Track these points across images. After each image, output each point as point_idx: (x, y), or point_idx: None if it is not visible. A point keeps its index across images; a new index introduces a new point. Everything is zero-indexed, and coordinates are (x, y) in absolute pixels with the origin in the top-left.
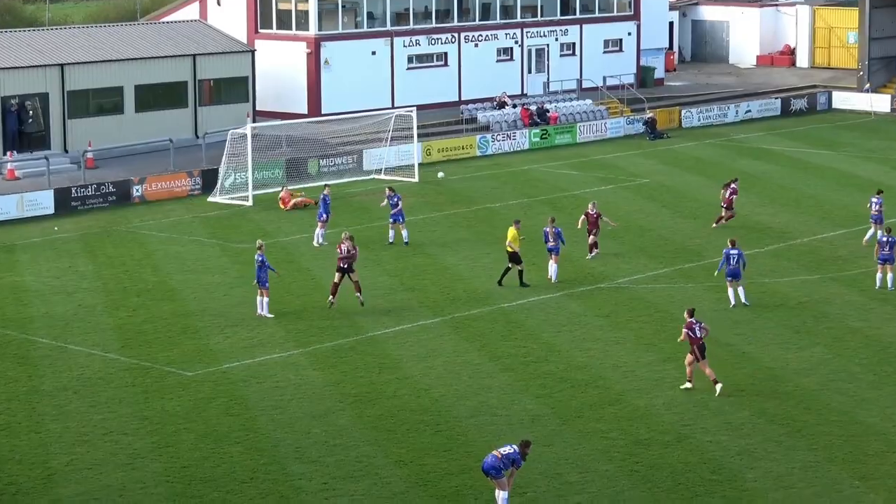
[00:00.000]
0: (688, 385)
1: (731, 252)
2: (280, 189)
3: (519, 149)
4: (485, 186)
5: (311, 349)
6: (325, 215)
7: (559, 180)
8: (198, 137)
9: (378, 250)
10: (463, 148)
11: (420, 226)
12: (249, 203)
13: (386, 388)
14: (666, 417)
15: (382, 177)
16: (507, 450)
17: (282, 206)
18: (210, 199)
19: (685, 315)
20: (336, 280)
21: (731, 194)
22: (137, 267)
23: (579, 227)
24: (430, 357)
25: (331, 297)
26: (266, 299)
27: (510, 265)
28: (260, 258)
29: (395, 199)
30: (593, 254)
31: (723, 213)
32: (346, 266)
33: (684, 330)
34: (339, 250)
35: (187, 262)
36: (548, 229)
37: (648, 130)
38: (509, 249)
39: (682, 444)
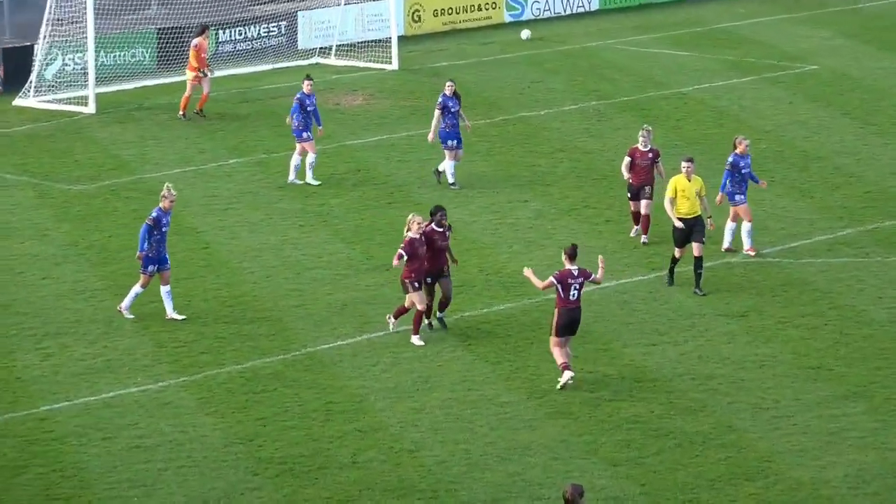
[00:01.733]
0: (567, 378)
1: None
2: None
3: (580, 9)
4: (519, 79)
5: (201, 376)
6: (305, 133)
7: (654, 67)
8: None
9: (327, 196)
10: (479, 8)
11: (403, 150)
12: (90, 109)
13: (338, 449)
14: (850, 501)
15: (333, 61)
16: None
17: (193, 69)
18: (18, 101)
19: (564, 258)
20: (412, 301)
21: None
22: None
23: (626, 175)
24: (421, 391)
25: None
26: (169, 288)
27: (680, 252)
28: (157, 216)
29: (446, 102)
30: (636, 232)
31: None
32: (435, 270)
33: (552, 280)
34: (410, 238)
35: None
36: (738, 155)
37: None
38: (684, 214)
39: None
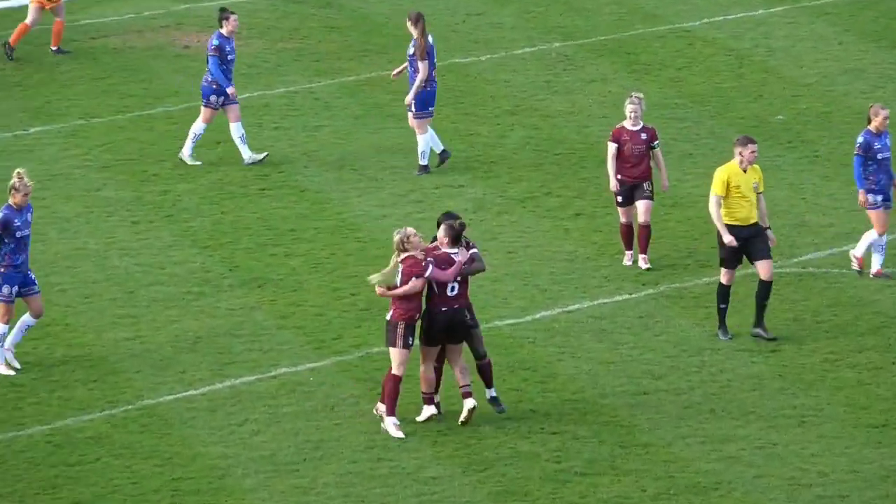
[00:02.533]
0: (432, 411)
1: None
2: None
3: None
4: (450, 10)
5: (10, 436)
6: (231, 90)
7: None
8: None
9: (172, 180)
10: None
11: (282, 113)
12: None
13: None
14: None
15: None
16: None
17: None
18: None
19: (442, 236)
20: (396, 360)
21: None
22: None
23: (612, 178)
24: (310, 461)
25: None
26: (31, 322)
27: (730, 276)
28: (5, 217)
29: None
30: (632, 259)
31: None
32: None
33: (414, 282)
34: (413, 260)
35: None
36: (871, 133)
37: None
38: (740, 221)
39: None
